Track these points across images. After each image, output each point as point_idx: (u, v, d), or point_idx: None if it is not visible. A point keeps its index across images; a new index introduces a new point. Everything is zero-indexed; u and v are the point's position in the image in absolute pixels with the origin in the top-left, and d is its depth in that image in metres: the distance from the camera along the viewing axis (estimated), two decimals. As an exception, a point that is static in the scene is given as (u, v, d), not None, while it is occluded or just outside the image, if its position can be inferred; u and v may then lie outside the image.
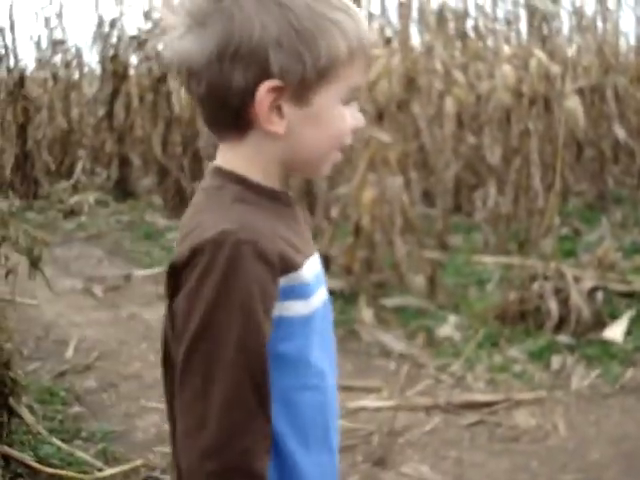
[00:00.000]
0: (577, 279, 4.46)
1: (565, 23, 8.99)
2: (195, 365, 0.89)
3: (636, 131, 7.96)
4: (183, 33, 0.93)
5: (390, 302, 4.68)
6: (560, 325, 4.21)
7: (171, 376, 0.97)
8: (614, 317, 4.36)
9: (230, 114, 0.94)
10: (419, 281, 4.89)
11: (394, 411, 3.36)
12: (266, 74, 0.90)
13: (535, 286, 4.39)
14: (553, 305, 4.26)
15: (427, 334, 4.28)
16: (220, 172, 0.99)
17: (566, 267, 4.56)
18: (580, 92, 7.59)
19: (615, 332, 4.18)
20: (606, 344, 4.09)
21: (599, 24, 8.89)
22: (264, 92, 0.91)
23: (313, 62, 0.91)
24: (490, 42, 7.25)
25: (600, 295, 4.43)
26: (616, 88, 8.18)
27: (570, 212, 7.14)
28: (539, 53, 5.68)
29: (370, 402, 3.51)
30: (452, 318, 4.45)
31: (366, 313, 4.48)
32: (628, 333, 4.20)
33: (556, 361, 3.92)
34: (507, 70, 5.94)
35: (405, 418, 3.35)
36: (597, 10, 9.13)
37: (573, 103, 5.89)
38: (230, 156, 0.98)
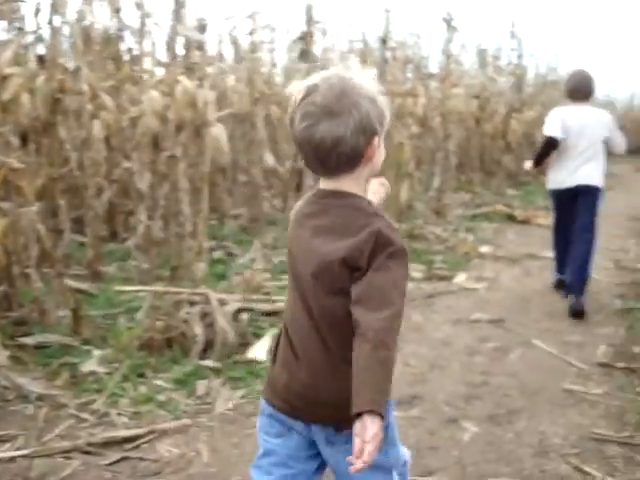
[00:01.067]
0: (223, 302, 4.53)
1: (229, 53, 9.43)
2: (397, 293, 1.65)
3: (286, 158, 8.36)
4: (319, 119, 1.64)
5: (30, 340, 4.32)
6: (207, 350, 4.22)
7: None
8: (259, 337, 4.47)
9: (357, 157, 1.69)
10: (62, 316, 4.59)
11: (30, 459, 3.12)
12: (375, 133, 1.69)
13: (182, 312, 4.36)
14: (199, 330, 4.26)
15: (70, 372, 4.01)
16: (351, 195, 1.72)
17: (212, 291, 4.60)
18: (235, 119, 8.02)
19: (258, 351, 4.31)
20: (251, 364, 4.18)
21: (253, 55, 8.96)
22: (376, 142, 1.70)
23: (386, 124, 1.73)
24: (145, 66, 6.75)
25: (245, 316, 4.55)
26: (269, 116, 8.63)
27: (226, 236, 7.31)
28: (185, 80, 5.61)
29: (3, 453, 3.18)
30: (97, 352, 4.22)
31: (1, 354, 4.05)
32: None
33: (201, 386, 3.89)
34: (154, 95, 5.84)
35: (43, 465, 3.09)
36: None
37: (218, 130, 5.94)
38: (345, 183, 1.72)
